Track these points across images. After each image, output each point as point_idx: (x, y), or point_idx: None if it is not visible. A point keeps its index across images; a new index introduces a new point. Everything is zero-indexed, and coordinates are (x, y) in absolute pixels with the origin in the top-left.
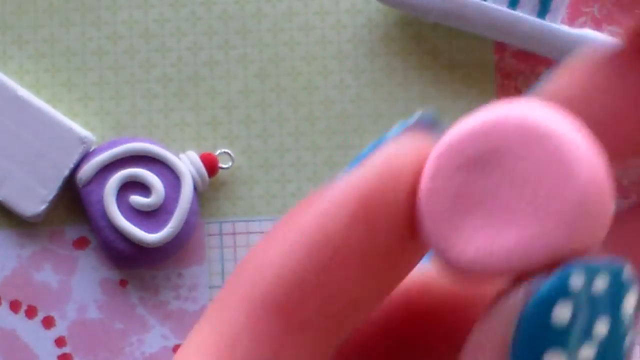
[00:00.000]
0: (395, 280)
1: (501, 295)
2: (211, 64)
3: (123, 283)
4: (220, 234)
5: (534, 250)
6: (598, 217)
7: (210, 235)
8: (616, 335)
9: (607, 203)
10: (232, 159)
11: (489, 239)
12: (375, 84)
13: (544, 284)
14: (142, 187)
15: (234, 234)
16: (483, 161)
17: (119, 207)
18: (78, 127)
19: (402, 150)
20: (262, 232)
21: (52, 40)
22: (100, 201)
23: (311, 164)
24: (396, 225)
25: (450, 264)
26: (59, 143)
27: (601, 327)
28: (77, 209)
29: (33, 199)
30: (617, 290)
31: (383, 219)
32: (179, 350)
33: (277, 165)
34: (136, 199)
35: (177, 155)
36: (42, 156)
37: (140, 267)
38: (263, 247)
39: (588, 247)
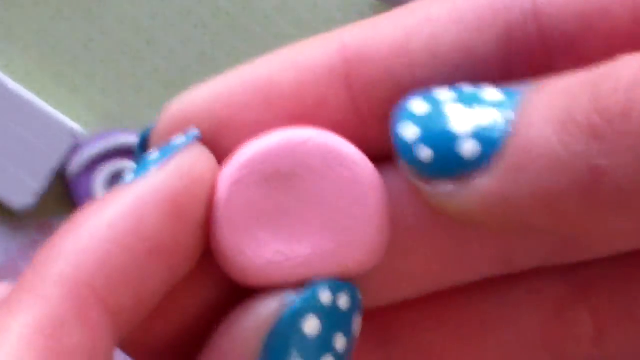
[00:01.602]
0: (185, 273)
1: (240, 307)
2: (201, 57)
3: None
4: None
5: (325, 267)
6: (383, 239)
7: None
8: (348, 351)
9: (387, 227)
10: None
11: (281, 252)
12: None
13: (298, 298)
14: None
15: None
16: (283, 178)
17: None
18: (67, 120)
19: (199, 155)
20: None
21: (42, 32)
22: (90, 194)
23: None
24: (200, 224)
25: (239, 270)
26: (48, 135)
27: (340, 341)
28: (66, 202)
29: (22, 192)
30: (352, 310)
31: (190, 216)
32: None
33: None
34: None
35: None
36: (31, 148)
37: None
38: (74, 234)
39: (368, 267)
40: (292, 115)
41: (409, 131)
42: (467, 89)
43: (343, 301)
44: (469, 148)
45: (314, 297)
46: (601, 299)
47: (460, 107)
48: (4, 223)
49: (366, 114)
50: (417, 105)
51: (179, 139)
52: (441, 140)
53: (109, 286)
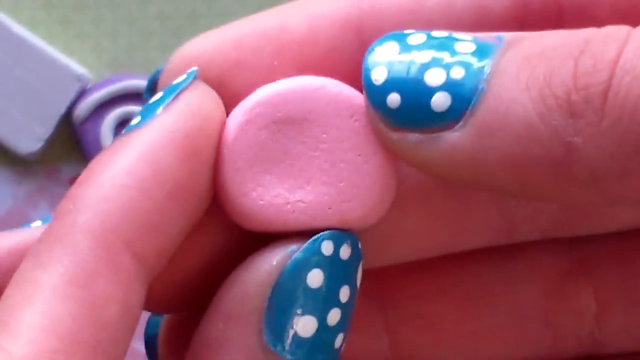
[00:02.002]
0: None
1: (244, 260)
2: (209, 1)
3: None
4: None
5: (325, 216)
6: (386, 195)
7: None
8: (352, 302)
9: (392, 185)
10: None
11: (283, 196)
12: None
13: (300, 250)
14: None
15: None
16: (293, 123)
17: None
18: (74, 65)
19: (204, 93)
20: None
21: None
22: (97, 139)
23: None
24: (212, 160)
25: (242, 211)
26: (55, 81)
27: (345, 293)
28: (73, 147)
29: (29, 137)
30: (354, 260)
31: (204, 155)
32: (22, 289)
33: None
34: None
35: None
36: (38, 94)
37: None
38: (96, 183)
39: (369, 222)
40: (303, 62)
41: (377, 72)
42: (441, 35)
43: (345, 252)
44: (438, 100)
45: (316, 248)
46: (604, 276)
47: (432, 54)
48: (11, 169)
49: None
50: (388, 46)
51: (180, 78)
52: (411, 88)
53: (135, 232)
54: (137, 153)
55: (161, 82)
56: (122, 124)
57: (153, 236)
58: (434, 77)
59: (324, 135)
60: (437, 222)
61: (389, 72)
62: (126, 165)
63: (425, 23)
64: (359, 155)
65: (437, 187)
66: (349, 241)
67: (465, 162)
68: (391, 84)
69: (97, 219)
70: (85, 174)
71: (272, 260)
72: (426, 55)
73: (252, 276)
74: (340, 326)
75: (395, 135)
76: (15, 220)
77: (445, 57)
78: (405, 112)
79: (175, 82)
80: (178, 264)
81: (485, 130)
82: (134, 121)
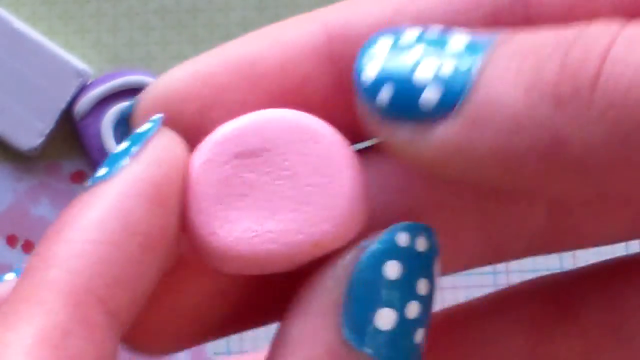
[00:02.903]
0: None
1: (329, 260)
2: None
3: None
4: None
5: (297, 241)
6: (356, 212)
7: None
8: (431, 296)
9: (362, 201)
10: None
11: (251, 228)
12: None
13: (376, 241)
14: None
15: None
16: (254, 155)
17: (116, 140)
18: (75, 60)
19: (169, 141)
20: None
21: None
22: (98, 134)
23: None
24: (179, 205)
25: (212, 250)
26: (56, 76)
27: (423, 285)
28: (74, 143)
29: (30, 133)
30: (431, 252)
31: (172, 203)
32: None
33: None
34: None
35: None
36: (39, 89)
37: None
38: (65, 238)
39: (342, 242)
40: (276, 94)
41: (369, 68)
42: (435, 32)
43: (421, 243)
44: (429, 94)
45: (392, 239)
46: (591, 319)
47: (425, 50)
48: (12, 164)
49: (350, 91)
50: (382, 43)
51: (146, 126)
52: (401, 82)
53: (107, 288)
54: (106, 206)
55: (133, 119)
56: (123, 120)
57: (125, 289)
58: (424, 71)
59: (286, 163)
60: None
61: (380, 66)
62: (95, 220)
63: None
64: (323, 176)
65: (423, 213)
66: (425, 233)
67: (455, 154)
68: (382, 78)
69: (68, 276)
70: (53, 228)
71: (347, 254)
72: (418, 50)
73: (329, 271)
74: (420, 320)
75: (386, 131)
76: (16, 215)
77: (437, 51)
78: (396, 106)
79: (140, 130)
80: (162, 307)
81: (475, 122)
82: (100, 172)
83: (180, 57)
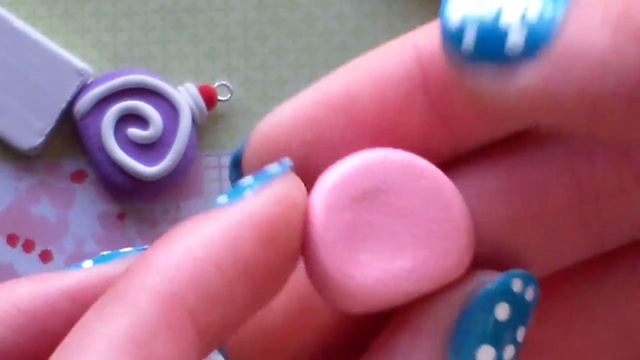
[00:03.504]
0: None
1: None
2: None
3: (121, 216)
4: (219, 166)
5: (428, 275)
6: (472, 244)
7: (208, 168)
8: (523, 344)
9: (472, 227)
10: (231, 91)
11: (385, 269)
12: (374, 14)
13: (493, 282)
14: (140, 120)
15: None
16: (370, 197)
17: (116, 139)
18: (75, 59)
19: (293, 184)
20: None
21: None
22: (98, 134)
23: None
24: (293, 250)
25: (348, 293)
26: (56, 75)
27: (521, 333)
28: (74, 142)
29: (30, 132)
30: (533, 303)
31: (284, 242)
32: (80, 340)
33: (275, 97)
34: (134, 131)
35: (175, 87)
36: (39, 89)
37: (138, 201)
38: (169, 250)
39: (463, 270)
40: (375, 128)
41: (454, 11)
42: None
43: (530, 293)
44: (514, 37)
45: (508, 283)
46: None
47: None
48: (12, 164)
49: (448, 116)
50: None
51: (274, 168)
52: (486, 25)
53: (200, 303)
54: (216, 229)
55: (244, 163)
56: (123, 119)
57: (218, 311)
58: (509, 14)
59: (401, 201)
60: (529, 249)
61: (465, 10)
62: (203, 239)
63: None
64: (439, 211)
65: (526, 217)
66: (534, 285)
67: (540, 97)
68: (467, 22)
69: (165, 283)
70: (163, 239)
71: (465, 286)
72: None
73: (446, 297)
74: None
75: (470, 74)
76: (17, 215)
77: None
78: (481, 49)
79: (267, 170)
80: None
81: (561, 65)
82: (221, 199)
83: (180, 56)
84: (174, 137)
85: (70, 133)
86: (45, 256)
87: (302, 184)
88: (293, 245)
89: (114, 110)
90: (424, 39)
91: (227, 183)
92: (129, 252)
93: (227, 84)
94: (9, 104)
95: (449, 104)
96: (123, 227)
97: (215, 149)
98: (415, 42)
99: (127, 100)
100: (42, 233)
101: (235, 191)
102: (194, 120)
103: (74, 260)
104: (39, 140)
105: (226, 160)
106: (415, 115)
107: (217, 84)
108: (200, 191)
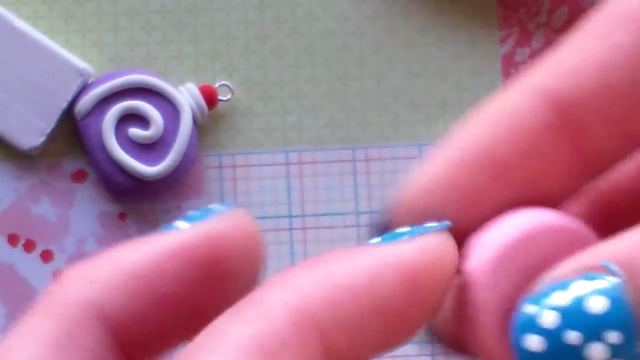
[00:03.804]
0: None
1: None
2: None
3: (122, 216)
4: (220, 166)
5: None
6: None
7: (210, 168)
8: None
9: None
10: (232, 91)
11: None
12: (375, 15)
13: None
14: (141, 120)
15: (233, 166)
16: (534, 268)
17: (117, 139)
18: (76, 59)
19: (446, 241)
20: (261, 165)
21: None
22: (99, 134)
23: (311, 95)
24: (433, 298)
25: None
26: (57, 75)
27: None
28: (75, 142)
29: (31, 132)
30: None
31: (425, 289)
32: (211, 340)
33: (276, 97)
34: (135, 131)
35: (175, 87)
36: (40, 89)
37: (139, 201)
38: (311, 271)
39: None
40: (519, 183)
41: (532, 343)
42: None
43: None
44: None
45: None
46: None
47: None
48: (13, 163)
49: (591, 157)
50: (546, 316)
51: (432, 224)
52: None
53: (331, 324)
54: (363, 262)
55: (394, 218)
56: (124, 119)
57: (347, 338)
58: (596, 353)
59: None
60: None
61: (544, 340)
62: (348, 268)
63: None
64: None
65: None
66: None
67: None
68: (548, 355)
69: (300, 298)
70: (308, 261)
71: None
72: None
73: None
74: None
75: None
76: (17, 214)
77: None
78: None
79: (427, 225)
80: None
81: None
82: (373, 240)
83: (181, 56)
84: (175, 137)
85: (71, 133)
86: (46, 256)
87: (454, 243)
88: (434, 297)
89: (114, 110)
90: (551, 80)
91: (228, 183)
92: (220, 208)
93: (228, 84)
94: (9, 103)
95: (592, 140)
96: (124, 227)
97: (216, 149)
98: (543, 87)
99: (127, 100)
100: (42, 233)
101: (391, 236)
102: (194, 120)
103: (75, 260)
104: (39, 140)
105: (227, 160)
106: (558, 162)
107: (218, 83)
108: (201, 191)
